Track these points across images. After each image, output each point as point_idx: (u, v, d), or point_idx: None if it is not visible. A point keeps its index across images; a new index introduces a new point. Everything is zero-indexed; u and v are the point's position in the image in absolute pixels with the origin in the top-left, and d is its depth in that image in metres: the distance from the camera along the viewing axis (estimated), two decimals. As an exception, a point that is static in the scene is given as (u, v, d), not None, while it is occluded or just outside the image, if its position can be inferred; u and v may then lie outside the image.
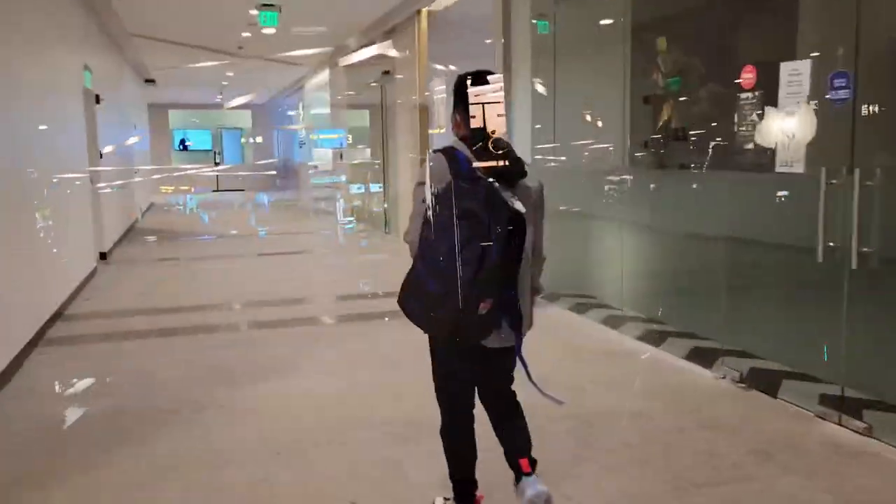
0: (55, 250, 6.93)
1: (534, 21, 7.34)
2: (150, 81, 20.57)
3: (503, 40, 7.74)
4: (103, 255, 9.99)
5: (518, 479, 2.69)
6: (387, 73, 11.82)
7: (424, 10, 10.10)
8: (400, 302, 2.52)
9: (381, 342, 5.55)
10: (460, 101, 2.46)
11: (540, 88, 7.28)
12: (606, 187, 6.44)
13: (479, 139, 2.35)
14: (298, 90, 21.56)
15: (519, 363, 2.63)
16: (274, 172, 29.07)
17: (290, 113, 25.19)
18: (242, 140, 30.01)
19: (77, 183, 8.18)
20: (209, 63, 15.66)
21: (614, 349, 5.49)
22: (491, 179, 2.35)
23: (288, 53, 14.45)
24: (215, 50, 13.68)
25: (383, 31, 11.55)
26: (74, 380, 4.71)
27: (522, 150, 7.33)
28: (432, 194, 2.35)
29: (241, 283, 8.22)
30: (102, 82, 10.71)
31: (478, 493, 2.81)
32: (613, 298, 6.58)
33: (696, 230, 5.56)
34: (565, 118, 7.03)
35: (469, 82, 2.33)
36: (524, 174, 2.49)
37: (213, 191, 26.76)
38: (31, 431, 3.98)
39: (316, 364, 5.11)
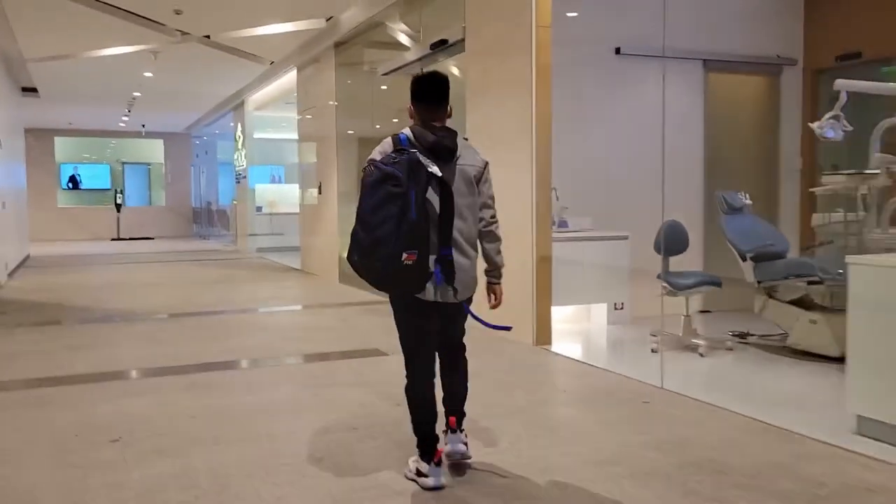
0: None
1: None
2: (30, 91, 15.05)
3: None
4: None
5: (446, 430, 3.14)
6: (441, 44, 7.11)
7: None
8: (347, 256, 2.81)
9: None
10: (412, 96, 3.00)
11: None
12: None
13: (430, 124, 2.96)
14: (234, 110, 16.47)
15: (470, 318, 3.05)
16: (192, 216, 23.51)
17: (220, 142, 19.95)
18: (151, 177, 24.37)
19: None
20: (122, 49, 10.47)
21: None
22: (414, 150, 2.79)
23: (253, 31, 9.50)
24: (136, 15, 8.58)
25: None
26: None
27: None
28: (371, 164, 2.80)
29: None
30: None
31: (439, 447, 3.03)
32: None
33: None
34: None
35: (420, 81, 3.02)
36: (453, 152, 2.93)
37: (113, 239, 20.99)
38: None
39: None
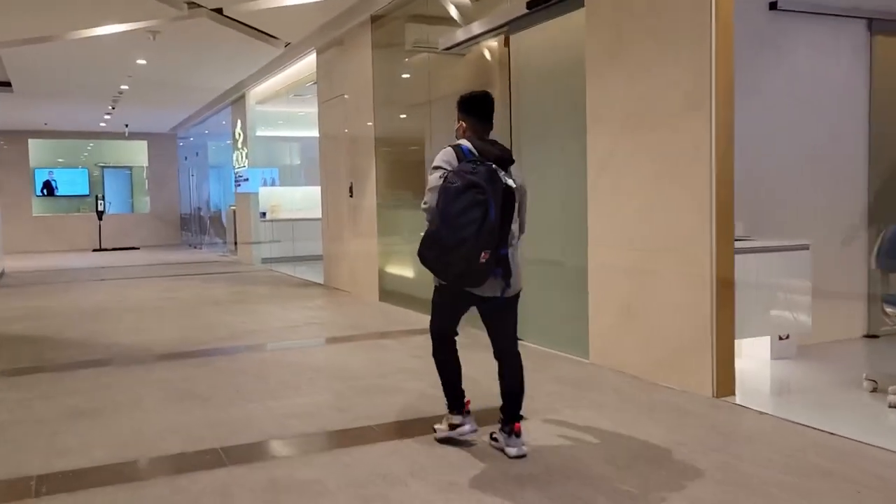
0: None
1: None
2: (2, 85, 13.32)
3: None
4: None
5: (507, 432, 3.30)
6: (542, 1, 5.54)
7: None
8: (420, 254, 3.19)
9: None
10: (467, 113, 3.40)
11: None
12: None
13: (484, 138, 3.38)
14: (233, 104, 14.79)
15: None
16: (180, 224, 21.70)
17: (211, 143, 18.27)
18: (135, 181, 22.55)
19: None
20: (115, 28, 8.80)
21: None
22: (489, 163, 3.15)
23: (275, 2, 7.88)
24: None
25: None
26: None
27: None
28: (446, 171, 3.17)
29: None
30: None
31: (465, 399, 3.50)
32: None
33: None
34: None
35: (478, 100, 3.40)
36: (512, 161, 3.30)
37: (95, 250, 19.17)
38: None
39: None
